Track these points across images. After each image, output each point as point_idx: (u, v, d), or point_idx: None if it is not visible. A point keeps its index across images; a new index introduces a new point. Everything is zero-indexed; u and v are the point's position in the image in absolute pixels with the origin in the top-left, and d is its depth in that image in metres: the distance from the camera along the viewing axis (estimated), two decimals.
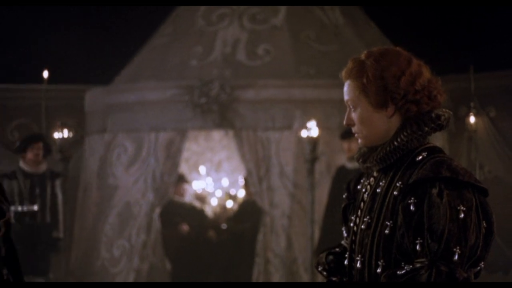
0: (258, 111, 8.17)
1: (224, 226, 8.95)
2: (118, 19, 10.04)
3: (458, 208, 2.17)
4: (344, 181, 7.03)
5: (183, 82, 8.37)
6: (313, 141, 7.05)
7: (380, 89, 2.32)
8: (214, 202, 9.45)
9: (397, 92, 2.31)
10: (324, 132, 7.41)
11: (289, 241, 8.04)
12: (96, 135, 8.90)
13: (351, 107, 2.35)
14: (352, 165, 6.96)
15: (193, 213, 8.98)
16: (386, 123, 2.34)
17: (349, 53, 9.11)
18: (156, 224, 8.37)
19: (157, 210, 8.40)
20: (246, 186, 8.82)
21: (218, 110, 8.15)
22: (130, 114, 8.56)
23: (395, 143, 2.30)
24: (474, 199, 2.21)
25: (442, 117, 2.33)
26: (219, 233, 8.87)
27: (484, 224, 2.21)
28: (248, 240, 8.40)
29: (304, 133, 7.10)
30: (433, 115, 2.33)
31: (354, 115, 2.34)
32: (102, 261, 8.50)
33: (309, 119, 7.24)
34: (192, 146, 9.61)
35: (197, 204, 9.32)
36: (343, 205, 2.52)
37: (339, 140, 7.09)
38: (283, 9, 8.86)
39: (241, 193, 9.20)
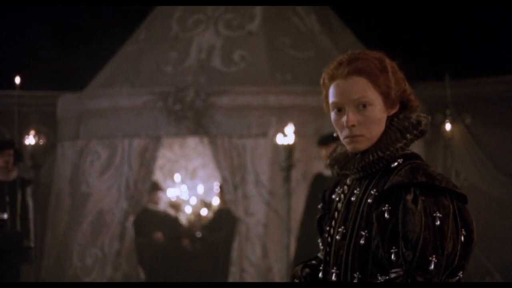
0: (234, 118, 8.09)
1: (198, 234, 8.87)
2: (92, 25, 9.96)
3: (434, 215, 2.07)
4: (321, 189, 6.96)
5: (158, 89, 8.29)
6: (289, 148, 6.95)
7: (397, 86, 2.22)
8: (188, 210, 9.38)
9: (404, 91, 2.23)
10: (300, 139, 7.34)
11: (264, 250, 7.97)
12: (69, 142, 8.78)
13: (360, 105, 2.18)
14: (329, 172, 6.84)
15: (167, 221, 8.90)
16: (384, 124, 2.24)
17: (325, 60, 9.08)
18: (130, 232, 8.27)
19: (131, 218, 8.30)
20: (221, 194, 8.74)
21: (193, 117, 8.07)
22: (104, 121, 8.46)
23: (379, 152, 2.19)
24: (451, 206, 2.10)
25: (423, 123, 2.24)
26: (193, 242, 8.80)
27: (463, 232, 2.11)
28: (223, 248, 8.32)
29: (280, 140, 7.00)
30: (413, 120, 2.23)
31: (360, 115, 2.18)
32: (74, 270, 8.38)
33: (284, 126, 7.15)
34: (167, 153, 9.55)
35: (171, 212, 9.25)
36: (318, 216, 2.41)
37: (317, 146, 7.00)
38: (258, 15, 8.81)
39: (216, 201, 9.13)
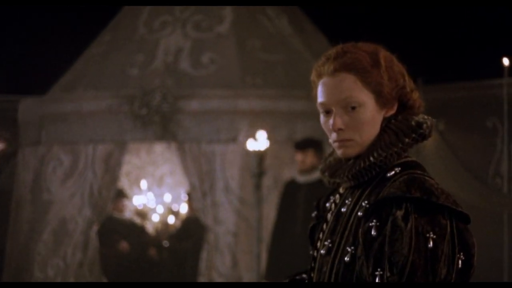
0: (202, 123, 7.90)
1: (166, 243, 8.73)
2: (55, 26, 9.77)
3: (428, 235, 1.79)
4: (294, 196, 6.73)
5: (123, 92, 8.07)
6: (260, 154, 6.75)
7: (392, 82, 1.95)
8: (155, 218, 9.22)
9: (403, 87, 1.96)
10: (271, 145, 7.19)
11: (234, 260, 7.79)
12: (30, 148, 8.55)
13: (349, 106, 1.93)
14: (304, 178, 6.66)
15: (133, 230, 8.73)
16: (379, 126, 1.97)
17: (297, 63, 8.90)
18: (94, 242, 8.06)
19: (95, 227, 8.08)
20: (189, 202, 8.58)
21: (160, 122, 7.88)
22: (66, 125, 8.24)
23: (371, 158, 1.92)
24: (449, 226, 1.83)
25: (424, 125, 1.97)
26: (160, 251, 8.66)
27: (462, 256, 1.84)
28: (191, 258, 8.18)
29: (250, 146, 6.82)
30: (412, 122, 1.96)
31: (349, 117, 1.93)
32: (35, 281, 8.14)
33: (255, 131, 7.00)
34: (133, 160, 9.39)
35: (137, 220, 9.09)
36: (310, 225, 2.14)
37: (295, 151, 6.80)
38: (228, 17, 8.65)
39: (184, 209, 8.98)
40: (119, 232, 8.52)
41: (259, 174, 6.79)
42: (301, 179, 6.69)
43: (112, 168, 8.09)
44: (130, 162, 9.25)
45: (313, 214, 2.15)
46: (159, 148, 9.30)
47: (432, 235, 1.80)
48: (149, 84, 8.11)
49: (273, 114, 7.85)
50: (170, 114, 7.87)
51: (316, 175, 6.56)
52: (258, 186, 6.80)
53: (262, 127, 7.18)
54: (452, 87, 9.22)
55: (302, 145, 6.62)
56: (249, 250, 7.51)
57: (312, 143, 6.67)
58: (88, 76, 8.63)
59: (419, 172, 1.92)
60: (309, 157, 6.57)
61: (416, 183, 1.86)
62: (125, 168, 8.86)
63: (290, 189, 6.79)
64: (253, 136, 6.89)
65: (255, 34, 8.60)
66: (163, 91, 7.91)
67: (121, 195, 8.75)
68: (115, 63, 8.55)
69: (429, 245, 1.79)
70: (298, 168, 6.74)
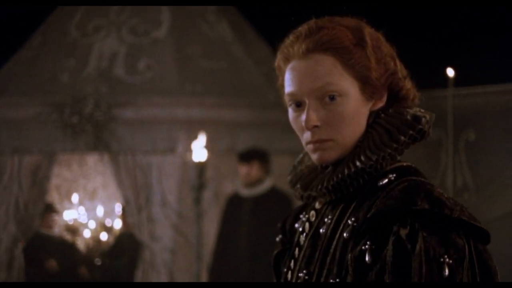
0: (138, 132, 7.58)
1: (98, 261, 8.47)
2: None
3: (442, 260, 1.39)
4: (237, 211, 6.35)
5: (53, 99, 7.70)
6: (200, 166, 6.40)
7: (381, 66, 1.53)
8: (87, 234, 8.97)
9: (394, 72, 1.55)
10: (212, 156, 6.90)
11: (171, 279, 7.53)
12: None
13: (326, 97, 1.51)
14: (248, 192, 6.33)
15: (63, 247, 8.41)
16: (365, 123, 1.54)
17: (238, 71, 8.54)
18: (19, 260, 7.72)
19: (20, 245, 7.74)
20: (124, 216, 8.29)
21: (92, 131, 7.55)
22: None
23: (358, 163, 1.50)
24: (466, 247, 1.43)
25: (423, 119, 1.55)
26: (92, 270, 8.39)
27: None
28: (125, 277, 7.92)
29: (189, 157, 6.50)
30: (408, 116, 1.55)
31: (326, 110, 1.51)
32: None
33: (195, 141, 6.70)
34: (63, 172, 9.13)
35: (67, 236, 8.83)
36: (275, 252, 1.69)
37: (238, 162, 6.48)
38: (166, 21, 8.38)
39: (118, 224, 8.75)
40: (47, 250, 8.21)
41: (199, 187, 6.47)
42: (245, 192, 6.37)
43: (40, 181, 7.74)
44: (60, 174, 8.99)
45: (278, 239, 1.70)
46: (92, 159, 9.04)
47: (447, 260, 1.39)
48: (81, 90, 7.79)
49: (214, 123, 7.58)
50: (104, 123, 7.56)
51: (261, 188, 6.25)
52: (197, 200, 6.48)
53: (203, 137, 6.91)
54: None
55: (246, 157, 6.29)
56: (187, 268, 7.22)
57: (256, 154, 6.38)
58: (15, 81, 8.27)
59: (419, 178, 1.50)
60: (254, 169, 6.27)
61: (421, 190, 1.44)
62: (54, 181, 8.57)
63: (233, 204, 6.49)
64: (192, 146, 6.59)
65: (195, 40, 8.39)
66: (96, 98, 7.61)
67: (50, 209, 8.44)
68: (45, 68, 8.20)
69: (444, 273, 1.38)
70: (242, 181, 6.43)
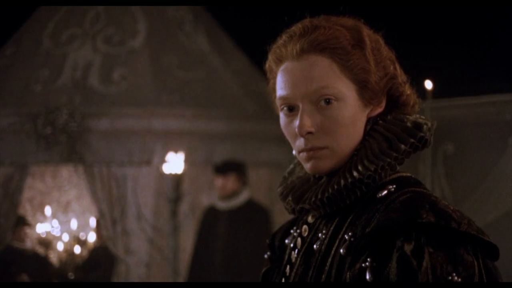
0: (113, 144, 7.43)
1: (71, 275, 8.22)
2: None
3: (450, 278, 1.28)
4: (214, 224, 6.23)
5: (26, 109, 7.53)
6: (176, 178, 6.29)
7: (381, 70, 1.44)
8: (60, 247, 8.70)
9: (393, 77, 1.46)
10: (188, 168, 6.78)
11: None
12: None
13: (322, 101, 1.41)
14: (224, 205, 6.19)
15: (35, 261, 8.16)
16: (362, 130, 1.44)
17: (216, 82, 8.42)
18: None
19: None
20: (98, 230, 8.11)
21: (66, 142, 7.39)
22: None
23: (355, 173, 1.39)
24: (476, 264, 1.32)
25: (424, 127, 1.45)
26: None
27: None
28: None
29: (166, 169, 6.36)
30: (408, 123, 1.45)
31: (321, 116, 1.41)
32: None
33: (171, 153, 6.59)
34: (36, 184, 8.94)
35: (40, 250, 8.57)
36: (263, 270, 1.57)
37: (214, 175, 6.34)
38: (142, 31, 8.26)
39: (92, 238, 8.51)
40: (19, 264, 7.96)
41: (175, 200, 6.36)
42: (222, 205, 6.23)
43: (11, 193, 7.57)
44: (33, 186, 8.80)
45: (266, 255, 1.58)
46: (65, 171, 8.86)
47: (456, 278, 1.28)
48: (54, 101, 7.63)
49: (190, 135, 7.47)
50: (78, 134, 7.40)
51: (237, 201, 6.13)
52: (174, 213, 6.36)
53: (178, 149, 6.78)
54: None
55: (223, 169, 6.15)
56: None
57: (233, 167, 6.24)
58: None
59: (422, 189, 1.40)
60: (231, 182, 6.13)
61: (426, 203, 1.34)
62: (27, 193, 8.39)
63: (209, 217, 6.35)
64: (168, 158, 6.46)
65: (171, 50, 8.28)
66: (69, 109, 7.45)
67: (22, 222, 8.20)
68: (18, 78, 8.04)
69: None
70: (218, 193, 6.28)
